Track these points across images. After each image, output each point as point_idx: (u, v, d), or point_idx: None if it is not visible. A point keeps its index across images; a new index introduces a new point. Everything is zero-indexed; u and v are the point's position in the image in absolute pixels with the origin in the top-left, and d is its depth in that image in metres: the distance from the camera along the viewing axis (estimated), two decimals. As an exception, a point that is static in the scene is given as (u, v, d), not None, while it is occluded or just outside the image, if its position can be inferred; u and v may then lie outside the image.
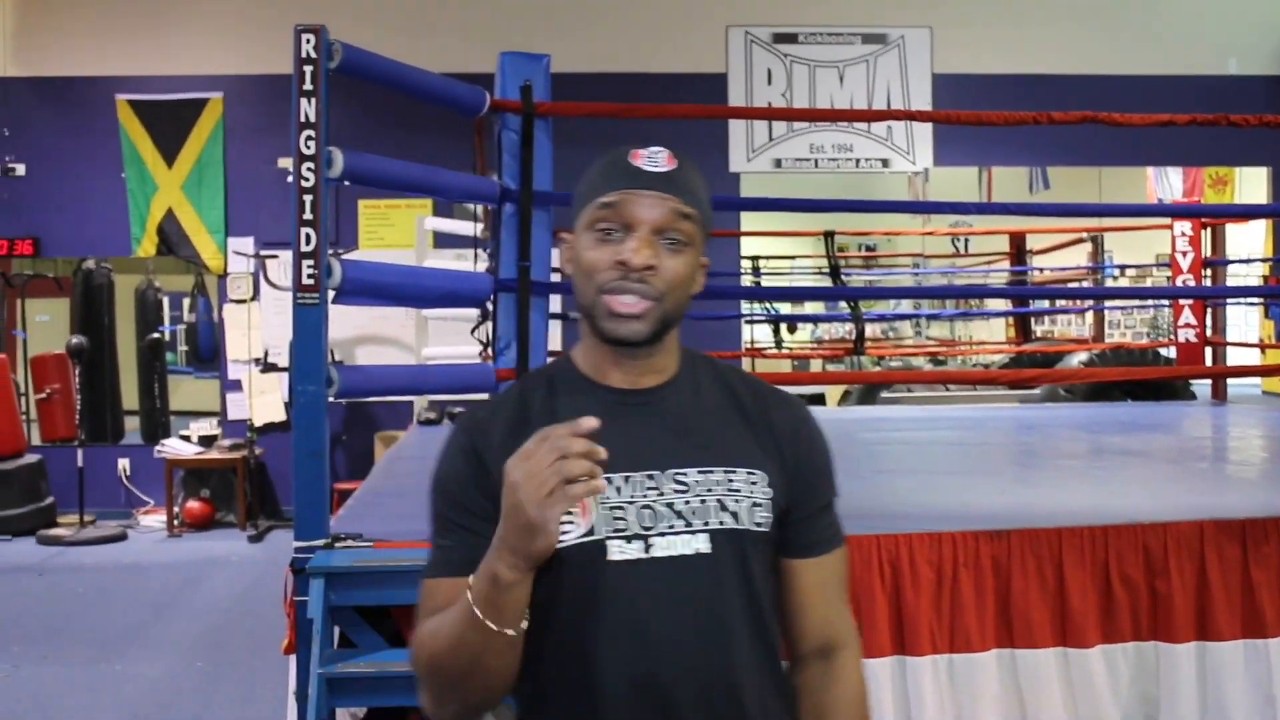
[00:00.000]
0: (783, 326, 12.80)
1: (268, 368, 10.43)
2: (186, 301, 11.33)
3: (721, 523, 1.73)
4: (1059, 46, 11.50)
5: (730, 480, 1.76)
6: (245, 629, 7.11)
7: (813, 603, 1.87)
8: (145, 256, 10.86)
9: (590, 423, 1.53)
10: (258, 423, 10.60)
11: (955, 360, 13.20)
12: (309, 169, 3.77)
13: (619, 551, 1.69)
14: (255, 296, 10.78)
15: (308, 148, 3.77)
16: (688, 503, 1.72)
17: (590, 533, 1.69)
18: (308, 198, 3.77)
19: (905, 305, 14.39)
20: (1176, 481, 5.24)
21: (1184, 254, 9.22)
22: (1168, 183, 18.17)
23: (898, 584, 4.01)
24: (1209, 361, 9.21)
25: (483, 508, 1.71)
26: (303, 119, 3.77)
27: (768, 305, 11.24)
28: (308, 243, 3.76)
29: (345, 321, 10.85)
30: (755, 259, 12.94)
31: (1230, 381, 9.64)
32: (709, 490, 1.74)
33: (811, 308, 13.57)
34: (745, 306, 10.94)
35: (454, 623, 1.64)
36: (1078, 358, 11.06)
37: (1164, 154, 12.12)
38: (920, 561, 4.03)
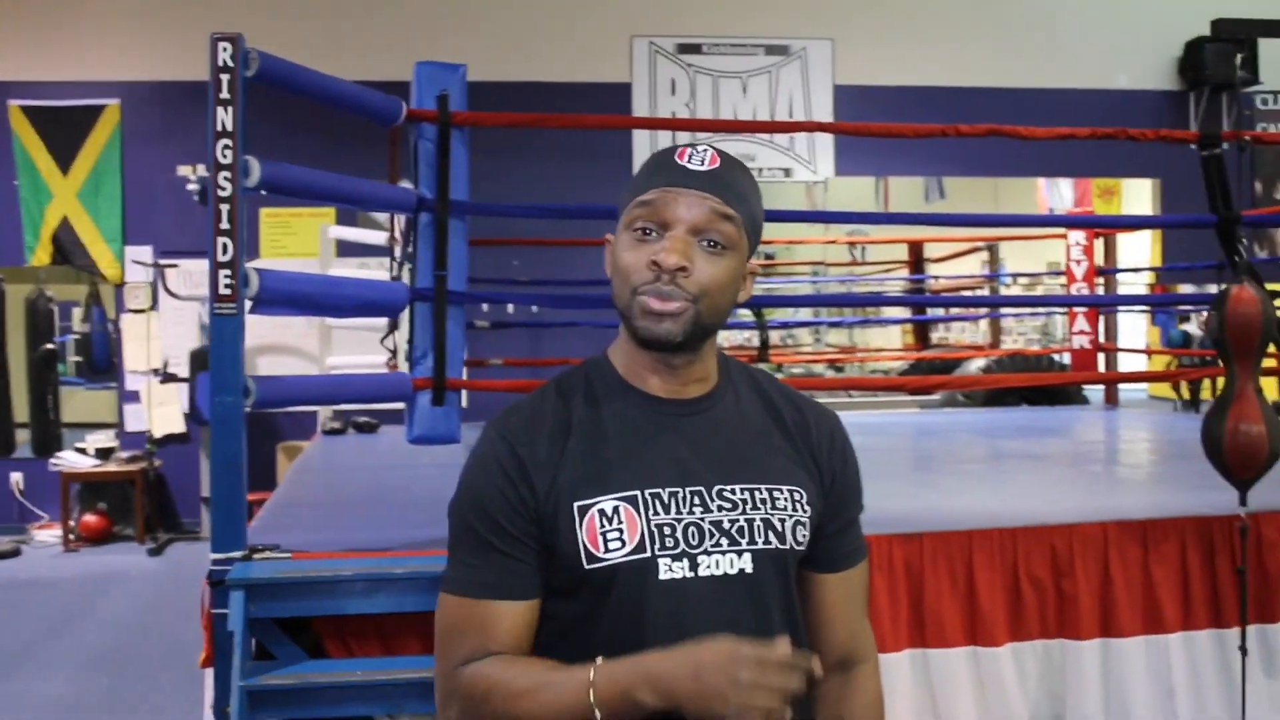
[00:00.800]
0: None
1: (167, 378, 10.24)
2: (78, 311, 11.08)
3: (767, 542, 1.71)
4: (955, 60, 11.73)
5: (775, 498, 1.73)
6: (150, 643, 6.99)
7: (839, 615, 1.85)
8: (39, 266, 10.62)
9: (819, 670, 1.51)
10: (157, 434, 10.41)
11: (855, 367, 13.39)
12: (226, 178, 3.73)
13: (667, 570, 1.65)
14: (154, 306, 10.59)
15: (224, 157, 3.73)
16: (734, 521, 1.69)
17: (640, 548, 1.65)
18: (224, 207, 3.73)
19: (804, 313, 14.56)
20: (1079, 485, 5.38)
21: (1078, 263, 9.45)
22: (1059, 193, 18.60)
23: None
24: (1102, 367, 9.44)
25: (525, 531, 1.67)
26: (219, 128, 3.73)
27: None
28: (225, 252, 3.73)
29: (246, 332, 10.71)
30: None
31: (1120, 387, 9.91)
32: (754, 508, 1.71)
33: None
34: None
35: (559, 703, 1.58)
36: (976, 364, 11.29)
37: (1057, 165, 12.41)
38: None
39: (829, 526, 1.82)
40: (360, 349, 9.19)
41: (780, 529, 1.72)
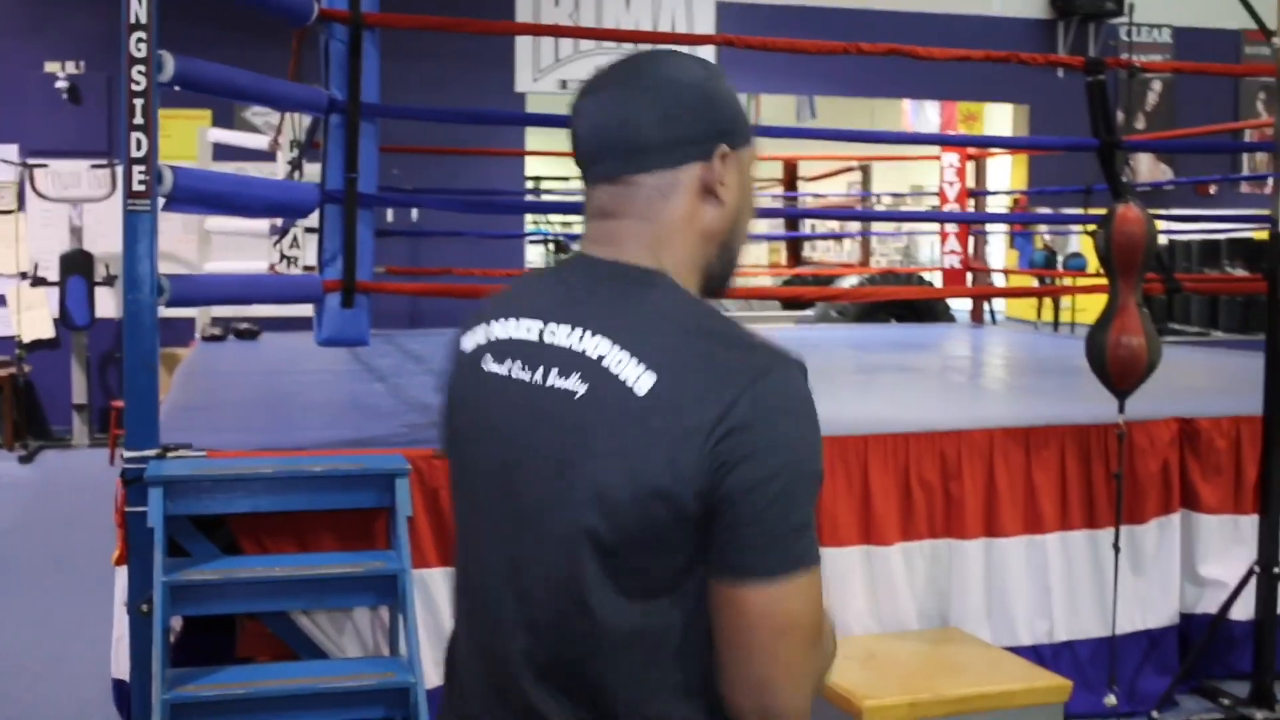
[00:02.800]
0: (563, 246, 12.96)
1: (36, 282, 9.98)
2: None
3: None
4: (834, -19, 11.86)
5: None
6: (29, 550, 6.90)
7: None
8: (-105, 163, 10.22)
9: None
10: (25, 339, 10.15)
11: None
12: (140, 72, 3.68)
13: None
14: (21, 208, 10.28)
15: (138, 50, 3.68)
16: None
17: None
18: (138, 102, 3.69)
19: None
20: (965, 395, 5.62)
21: (950, 184, 9.70)
22: (924, 116, 18.98)
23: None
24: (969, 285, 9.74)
25: None
26: (133, 20, 3.67)
27: (549, 223, 11.35)
28: (139, 148, 3.69)
29: (118, 235, 10.46)
30: (537, 179, 13.00)
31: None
32: None
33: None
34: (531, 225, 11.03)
35: None
36: (848, 280, 11.55)
37: (930, 88, 12.63)
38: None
39: None
40: (238, 254, 9.07)
41: None
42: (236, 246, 8.87)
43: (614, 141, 1.44)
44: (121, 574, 3.78)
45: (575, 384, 1.37)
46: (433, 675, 3.62)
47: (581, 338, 1.39)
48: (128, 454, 3.71)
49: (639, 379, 1.34)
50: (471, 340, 1.50)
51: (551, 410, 1.39)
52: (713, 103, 1.45)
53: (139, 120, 3.69)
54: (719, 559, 1.35)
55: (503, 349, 1.46)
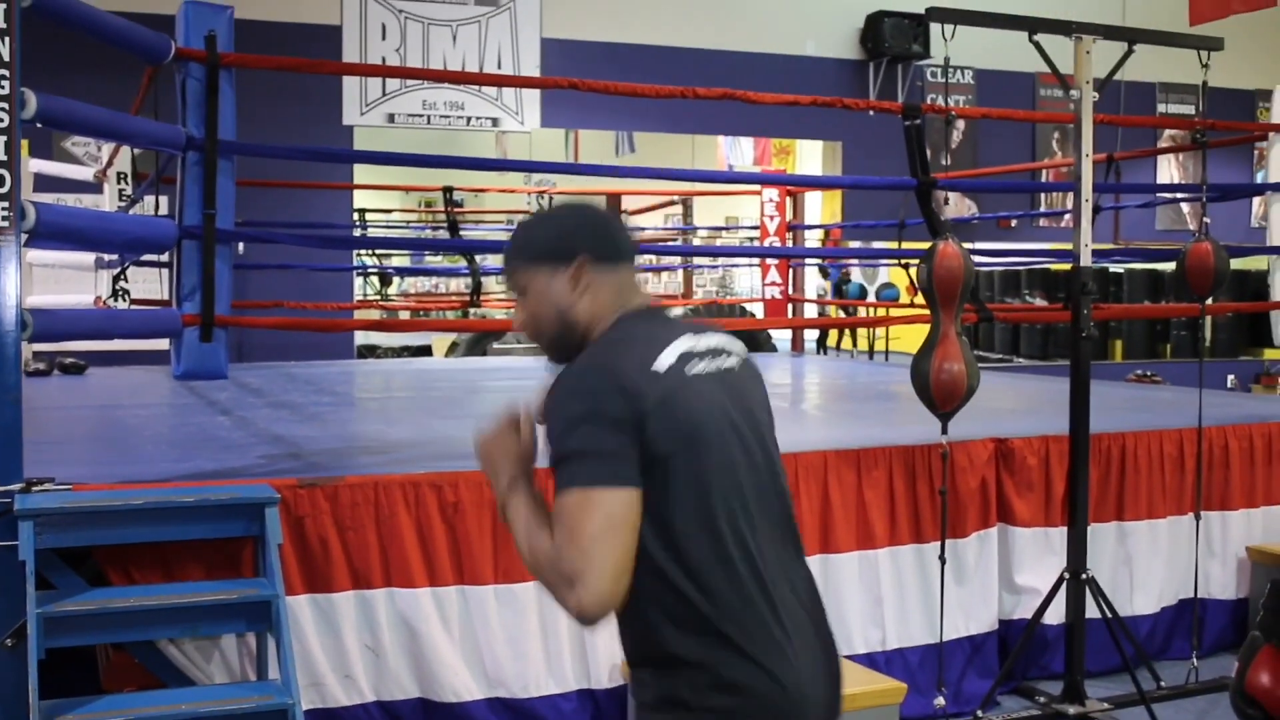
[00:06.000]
0: (387, 279, 13.01)
1: None
2: None
3: None
4: (654, 20, 12.19)
5: None
6: None
7: None
8: None
9: None
10: None
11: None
12: (2, 109, 3.71)
13: None
14: None
15: (1, 88, 3.71)
16: None
17: None
18: (1, 139, 3.72)
19: (495, 261, 14.87)
20: (796, 419, 5.91)
21: (771, 218, 10.10)
22: (739, 150, 19.55)
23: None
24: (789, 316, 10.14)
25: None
26: (-4, 58, 3.70)
27: (376, 258, 11.39)
28: (2, 185, 3.71)
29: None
30: (363, 212, 13.03)
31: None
32: None
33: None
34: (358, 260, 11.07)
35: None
36: (674, 311, 11.86)
37: (747, 125, 13.09)
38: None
39: None
40: (60, 287, 8.92)
41: None
42: (57, 279, 8.74)
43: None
44: (-16, 610, 3.78)
45: (733, 362, 2.15)
46: (304, 698, 3.73)
47: (715, 337, 2.17)
48: (-9, 488, 3.72)
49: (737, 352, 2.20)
50: (663, 362, 2.04)
51: (731, 380, 2.13)
52: None
53: (2, 157, 3.72)
54: None
55: (689, 358, 2.08)
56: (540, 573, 2.01)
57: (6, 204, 3.72)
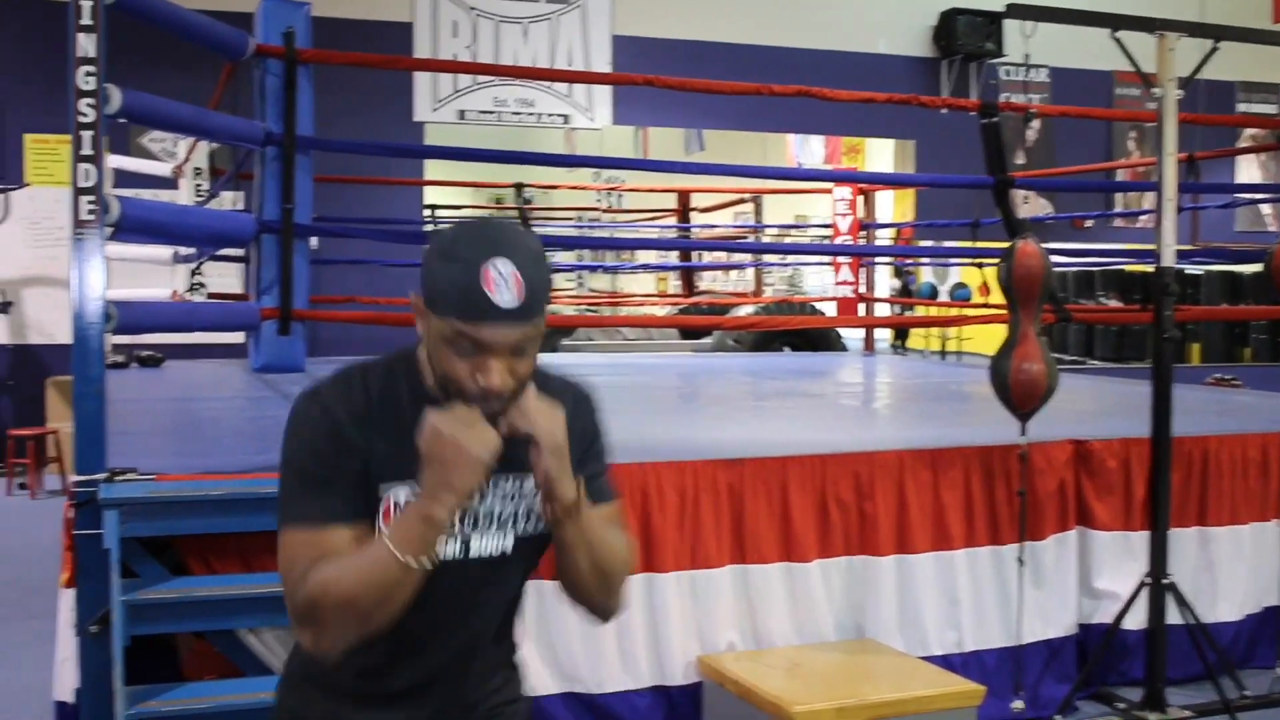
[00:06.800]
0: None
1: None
2: None
3: (527, 526, 2.03)
4: (727, 18, 12.18)
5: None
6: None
7: None
8: None
9: None
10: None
11: (621, 312, 13.79)
12: (88, 105, 3.76)
13: (442, 550, 1.89)
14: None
15: (86, 83, 3.77)
16: (503, 509, 2.00)
17: None
18: (86, 134, 3.77)
19: (569, 257, 14.91)
20: (874, 419, 5.87)
21: (843, 216, 10.03)
22: (809, 149, 19.47)
23: (646, 508, 4.40)
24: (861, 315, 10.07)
25: (350, 468, 1.89)
26: (81, 54, 3.76)
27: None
28: (87, 178, 3.77)
29: (11, 262, 10.35)
30: (434, 208, 13.10)
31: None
32: (521, 498, 2.01)
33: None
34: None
35: (370, 564, 1.83)
36: (745, 309, 11.83)
37: (819, 124, 13.03)
38: (666, 488, 4.43)
39: (582, 476, 2.04)
40: (136, 281, 9.03)
41: (538, 515, 2.04)
42: (133, 274, 8.85)
43: None
44: (68, 596, 3.83)
45: None
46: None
47: None
48: (78, 478, 3.77)
49: None
50: None
51: None
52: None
53: (87, 151, 3.77)
54: None
55: None
56: (628, 573, 2.06)
57: (92, 198, 3.77)
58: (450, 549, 1.94)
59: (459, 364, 1.83)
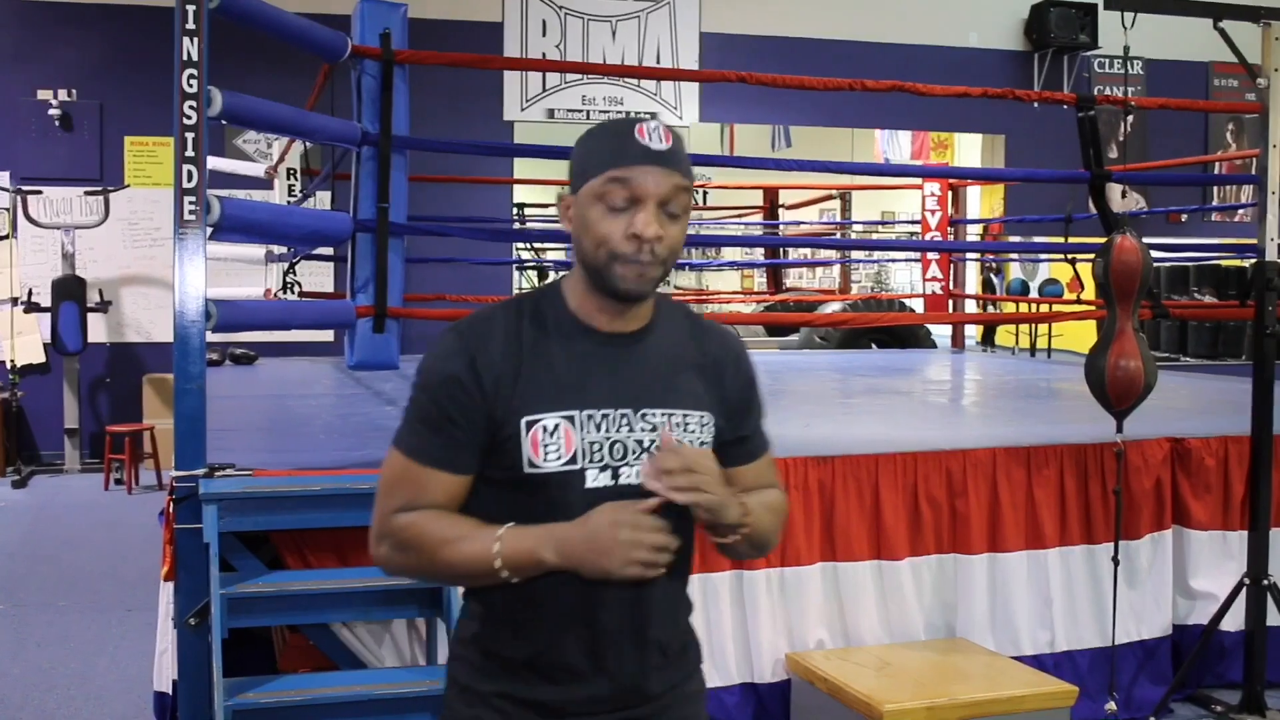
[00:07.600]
0: (545, 274, 13.16)
1: (29, 308, 10.07)
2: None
3: None
4: (815, 13, 12.12)
5: (687, 422, 2.03)
6: (37, 572, 6.99)
7: (758, 486, 2.16)
8: (-112, 188, 10.30)
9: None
10: (17, 364, 10.23)
11: (709, 309, 13.78)
12: (191, 107, 3.84)
13: (594, 479, 1.94)
14: (13, 234, 10.38)
15: (190, 86, 3.84)
16: (653, 440, 1.99)
17: (573, 460, 1.93)
18: (189, 135, 3.85)
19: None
20: (966, 416, 5.82)
21: (933, 212, 9.95)
22: (896, 144, 19.31)
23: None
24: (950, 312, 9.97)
25: (472, 421, 1.93)
26: (185, 57, 3.84)
27: (535, 252, 11.51)
28: (190, 179, 3.84)
29: (110, 262, 10.58)
30: (521, 206, 13.19)
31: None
32: (670, 430, 2.01)
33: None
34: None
35: (468, 558, 1.89)
36: (832, 306, 11.77)
37: (908, 119, 12.93)
38: (756, 486, 4.42)
39: (738, 433, 2.15)
40: (232, 280, 9.21)
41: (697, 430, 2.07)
42: (227, 271, 9.02)
43: None
44: (166, 589, 3.92)
45: None
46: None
47: None
48: (177, 473, 3.85)
49: None
50: None
51: None
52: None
53: (190, 153, 3.85)
54: None
55: None
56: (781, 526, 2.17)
57: (194, 198, 3.85)
58: (600, 478, 1.95)
59: (611, 223, 1.90)
